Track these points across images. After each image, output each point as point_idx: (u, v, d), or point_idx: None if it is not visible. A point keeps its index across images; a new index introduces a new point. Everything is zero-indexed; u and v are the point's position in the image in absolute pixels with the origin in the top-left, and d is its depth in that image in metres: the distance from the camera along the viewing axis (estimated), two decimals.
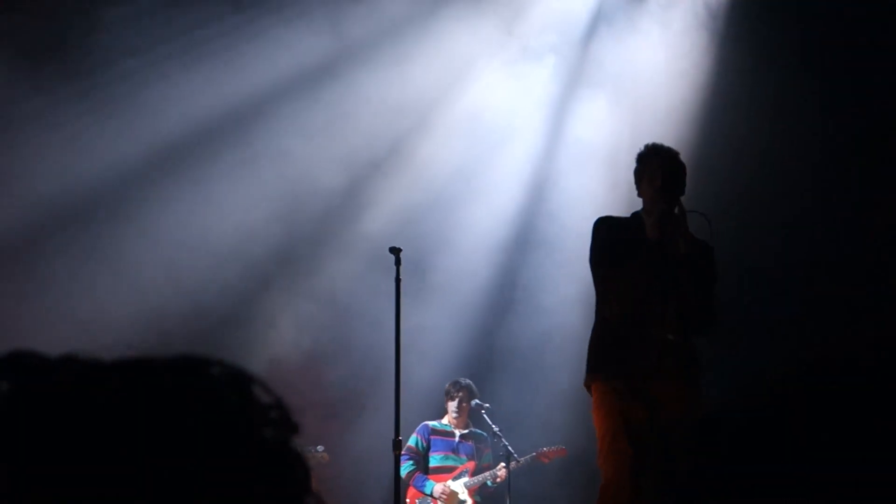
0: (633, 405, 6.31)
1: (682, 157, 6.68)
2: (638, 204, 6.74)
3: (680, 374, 6.41)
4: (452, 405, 10.22)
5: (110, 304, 9.91)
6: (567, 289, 10.75)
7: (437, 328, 10.87)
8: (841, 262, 9.80)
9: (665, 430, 6.32)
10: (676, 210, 6.45)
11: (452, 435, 10.18)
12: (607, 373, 6.47)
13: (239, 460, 0.98)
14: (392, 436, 8.04)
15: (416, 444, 10.07)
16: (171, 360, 1.02)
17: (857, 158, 10.02)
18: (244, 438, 1.00)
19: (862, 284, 9.72)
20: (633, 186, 6.69)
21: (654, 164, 6.55)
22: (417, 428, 10.13)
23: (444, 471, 10.07)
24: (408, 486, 9.85)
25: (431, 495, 9.96)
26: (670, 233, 6.45)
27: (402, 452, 8.82)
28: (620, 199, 10.07)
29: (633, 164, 6.70)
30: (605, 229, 6.67)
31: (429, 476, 10.04)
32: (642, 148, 6.71)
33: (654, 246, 6.44)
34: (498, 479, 9.92)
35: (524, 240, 11.29)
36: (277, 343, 10.75)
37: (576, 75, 11.60)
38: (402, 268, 8.36)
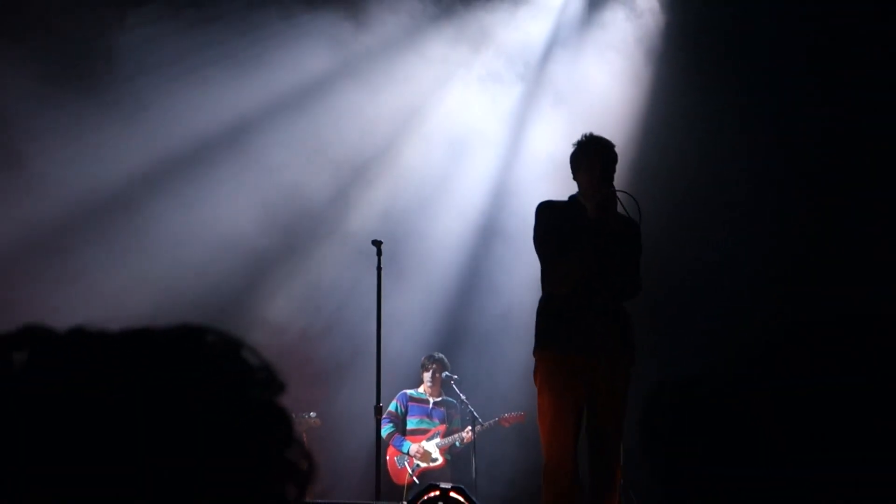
0: (572, 381, 6.10)
1: (625, 159, 6.61)
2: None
3: (617, 349, 6.22)
4: (427, 376, 10.26)
5: (131, 287, 9.87)
6: (522, 273, 10.75)
7: (412, 309, 10.83)
8: (767, 251, 9.93)
9: (599, 406, 6.16)
10: (610, 193, 6.32)
11: (427, 402, 10.23)
12: (553, 347, 6.27)
13: (230, 415, 0.97)
14: (374, 402, 8.08)
15: (396, 409, 10.15)
16: (170, 329, 1.03)
17: (775, 158, 10.06)
18: (235, 396, 0.99)
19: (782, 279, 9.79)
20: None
21: (593, 153, 6.41)
22: (397, 395, 10.20)
23: (419, 433, 10.12)
24: (388, 445, 9.96)
25: (408, 453, 10.01)
26: (609, 213, 6.32)
27: (383, 416, 8.89)
28: (562, 189, 10.20)
29: (577, 148, 6.52)
30: (548, 213, 6.48)
31: (406, 437, 10.10)
32: (581, 137, 6.54)
33: (593, 226, 6.27)
34: (465, 441, 9.97)
35: (487, 232, 11.30)
36: (274, 323, 10.71)
37: (534, 93, 11.59)
38: (382, 258, 8.38)
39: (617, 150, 6.53)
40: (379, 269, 8.27)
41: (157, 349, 1.00)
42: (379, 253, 8.31)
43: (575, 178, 6.50)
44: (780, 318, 9.20)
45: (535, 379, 6.41)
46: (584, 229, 6.26)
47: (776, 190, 10.11)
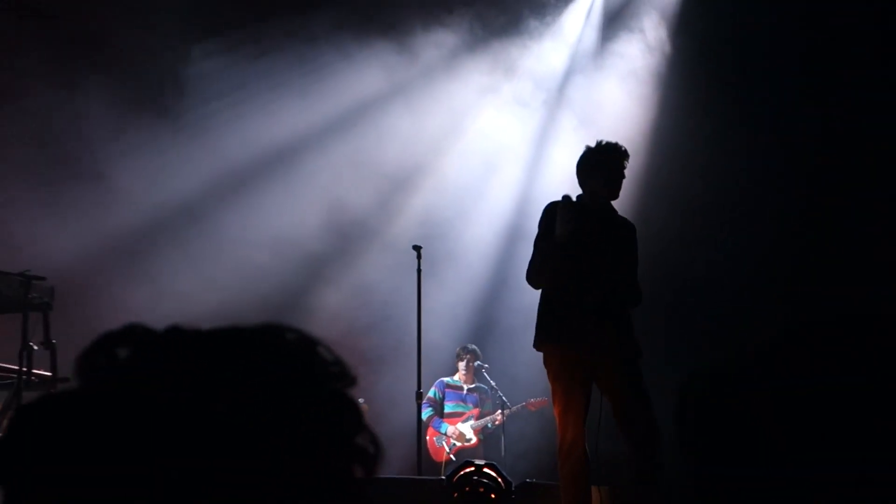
0: (574, 371, 5.83)
1: (635, 171, 6.50)
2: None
3: (612, 345, 5.86)
4: (461, 365, 10.29)
5: (201, 286, 9.94)
6: None
7: (448, 305, 10.84)
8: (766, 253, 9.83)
9: (605, 385, 5.86)
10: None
11: (462, 388, 10.27)
12: (549, 341, 6.02)
13: (308, 404, 0.97)
14: (415, 388, 8.16)
15: (434, 395, 10.19)
16: (256, 327, 1.02)
17: (772, 164, 10.01)
18: (312, 387, 0.99)
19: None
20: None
21: (614, 159, 6.15)
22: (435, 383, 10.24)
23: (455, 416, 10.16)
24: (428, 427, 9.98)
25: (446, 434, 10.05)
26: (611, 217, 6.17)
27: (423, 402, 8.91)
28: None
29: (591, 154, 6.22)
30: (551, 215, 6.07)
31: (443, 419, 10.14)
32: (602, 142, 6.25)
33: (597, 226, 6.06)
34: (496, 423, 9.98)
35: (513, 237, 11.27)
36: (325, 317, 10.76)
37: (555, 114, 11.57)
38: (422, 261, 8.44)
39: (627, 160, 6.28)
40: (419, 270, 8.33)
41: (246, 346, 1.00)
42: (419, 256, 8.36)
43: (586, 179, 6.22)
44: (780, 319, 9.16)
45: (546, 369, 6.16)
46: (587, 227, 5.99)
47: (775, 194, 9.99)
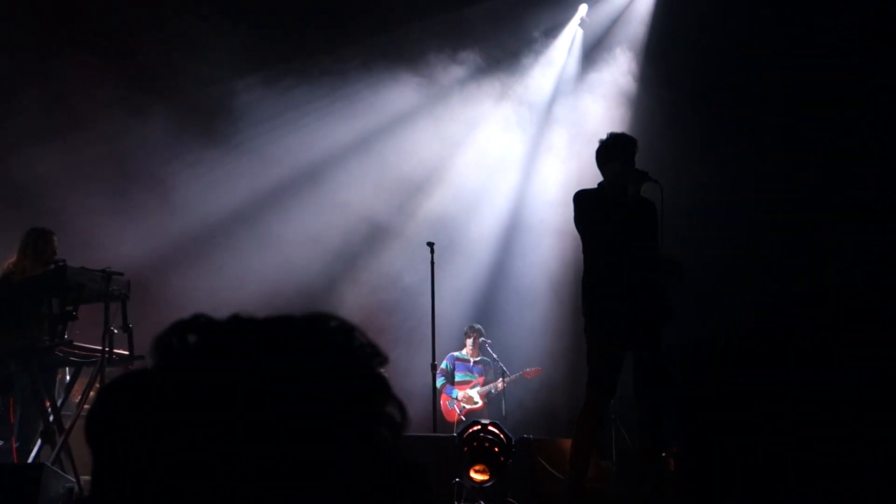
0: (617, 340, 5.50)
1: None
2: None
3: (654, 312, 5.60)
4: (469, 341, 10.28)
5: (250, 280, 10.00)
6: (540, 259, 10.86)
7: (458, 290, 10.85)
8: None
9: (640, 366, 5.51)
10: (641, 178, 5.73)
11: (468, 361, 10.25)
12: (602, 313, 5.61)
13: (348, 380, 0.98)
14: (430, 361, 8.20)
15: (446, 366, 10.16)
16: (305, 316, 1.02)
17: (731, 176, 9.97)
18: (351, 366, 0.99)
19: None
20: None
21: (630, 145, 5.85)
22: (447, 356, 10.22)
23: (464, 383, 10.14)
24: (441, 393, 9.93)
25: (456, 398, 10.06)
26: (641, 185, 5.77)
27: (437, 372, 8.91)
28: (568, 196, 10.15)
29: (608, 143, 5.88)
30: (590, 198, 5.81)
31: (454, 387, 10.16)
32: (616, 133, 5.97)
33: (632, 204, 5.75)
34: (498, 389, 9.96)
35: (511, 231, 11.33)
36: (354, 301, 10.82)
37: (545, 129, 11.58)
38: (434, 255, 8.46)
39: (625, 138, 5.97)
40: (432, 263, 8.31)
41: (296, 331, 1.00)
42: (432, 252, 8.36)
43: (606, 164, 5.87)
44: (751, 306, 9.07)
45: (586, 330, 5.73)
46: (623, 206, 5.71)
47: (737, 199, 9.94)
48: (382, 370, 1.03)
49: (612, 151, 5.86)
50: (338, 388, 0.97)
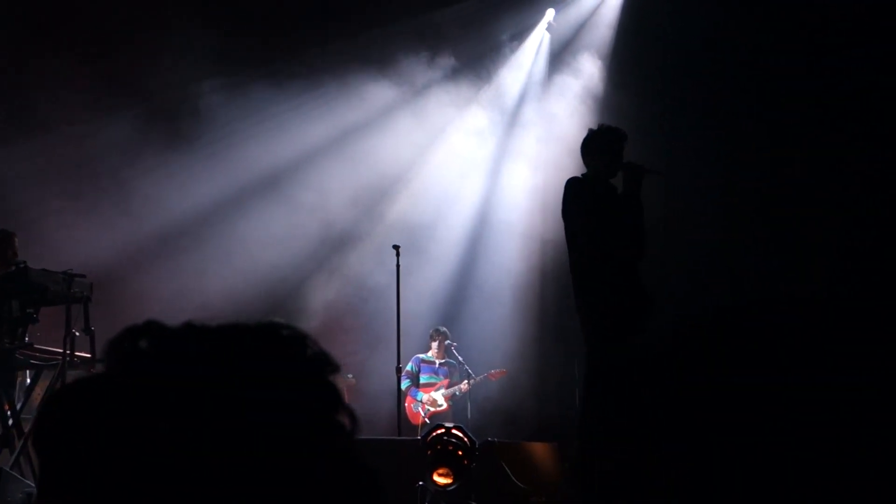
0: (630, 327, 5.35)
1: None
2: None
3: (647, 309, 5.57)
4: (434, 344, 10.27)
5: (217, 279, 9.96)
6: (506, 262, 10.91)
7: (425, 292, 10.86)
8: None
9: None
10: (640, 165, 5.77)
11: (434, 363, 10.24)
12: (615, 303, 5.51)
13: (299, 388, 0.98)
14: (395, 364, 8.20)
15: (411, 368, 10.13)
16: (258, 324, 1.01)
17: (691, 172, 10.07)
18: (303, 374, 0.99)
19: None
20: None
21: (620, 138, 5.83)
22: (412, 358, 10.18)
23: (429, 386, 10.13)
24: (406, 395, 9.90)
25: (421, 401, 10.05)
26: (641, 179, 5.79)
27: (402, 375, 8.89)
28: (539, 204, 10.24)
29: (597, 135, 5.84)
30: (586, 187, 5.74)
31: (419, 389, 10.14)
32: (604, 125, 5.93)
33: (627, 196, 5.77)
34: (463, 391, 10.00)
35: (480, 231, 11.34)
36: (320, 303, 10.79)
37: (512, 131, 11.63)
38: (402, 258, 8.45)
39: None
40: (398, 266, 8.33)
41: (249, 339, 1.00)
42: (398, 255, 8.38)
43: (595, 158, 5.79)
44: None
45: (587, 322, 5.64)
46: (618, 201, 5.72)
47: (707, 195, 10.02)
48: (334, 379, 1.03)
49: (603, 143, 5.81)
50: (289, 397, 0.97)
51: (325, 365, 1.02)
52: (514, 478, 6.57)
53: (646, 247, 5.84)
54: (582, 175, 5.86)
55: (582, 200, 5.69)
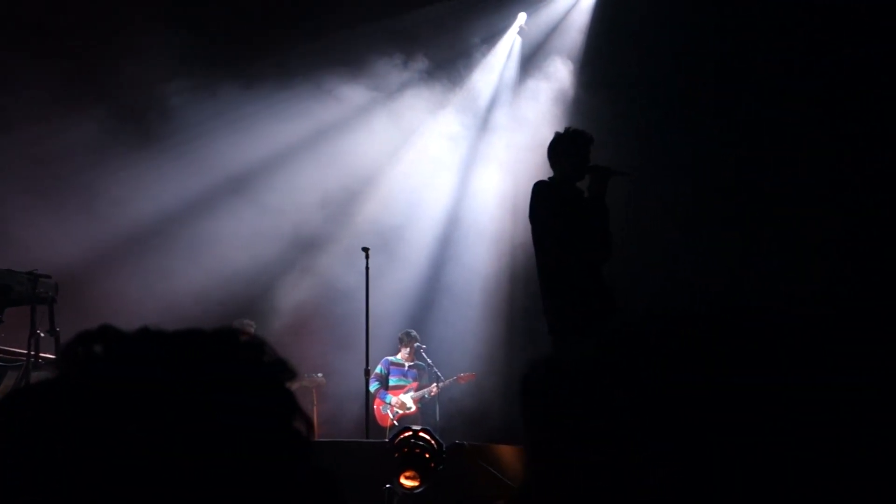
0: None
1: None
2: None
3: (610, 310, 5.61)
4: (403, 347, 10.31)
5: (185, 280, 9.92)
6: (475, 264, 10.94)
7: (395, 294, 10.88)
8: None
9: None
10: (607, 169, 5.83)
11: (403, 366, 10.24)
12: (581, 306, 5.55)
13: (255, 395, 0.97)
14: (364, 366, 8.21)
15: (381, 371, 10.12)
16: (215, 330, 1.00)
17: (659, 174, 10.15)
18: (259, 382, 0.98)
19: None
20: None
21: (586, 141, 5.88)
22: (381, 361, 10.17)
23: (398, 388, 10.14)
24: (375, 398, 9.94)
25: (390, 403, 10.05)
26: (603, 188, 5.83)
27: (371, 377, 8.90)
28: (510, 207, 10.26)
29: (564, 138, 5.90)
30: (554, 190, 5.81)
31: (388, 391, 10.13)
32: (571, 129, 5.99)
33: (594, 199, 5.83)
34: (432, 394, 10.00)
35: (450, 234, 11.36)
36: (289, 305, 10.78)
37: (483, 135, 11.67)
38: (372, 260, 8.46)
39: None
40: (367, 268, 8.36)
41: (205, 344, 0.99)
42: (367, 257, 8.39)
43: (563, 160, 5.86)
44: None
45: (554, 324, 5.71)
46: (584, 203, 5.79)
47: (678, 198, 10.18)
48: (290, 385, 1.02)
49: (570, 147, 5.86)
50: (244, 402, 0.96)
51: (281, 371, 1.01)
52: (501, 477, 6.59)
53: (611, 249, 5.90)
54: (549, 178, 5.92)
55: (549, 203, 5.75)
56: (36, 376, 6.11)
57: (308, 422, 1.01)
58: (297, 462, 0.99)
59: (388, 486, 6.20)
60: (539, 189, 5.83)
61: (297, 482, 0.99)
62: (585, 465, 0.90)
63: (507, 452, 7.24)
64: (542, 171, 6.24)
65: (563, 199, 5.77)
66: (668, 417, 0.87)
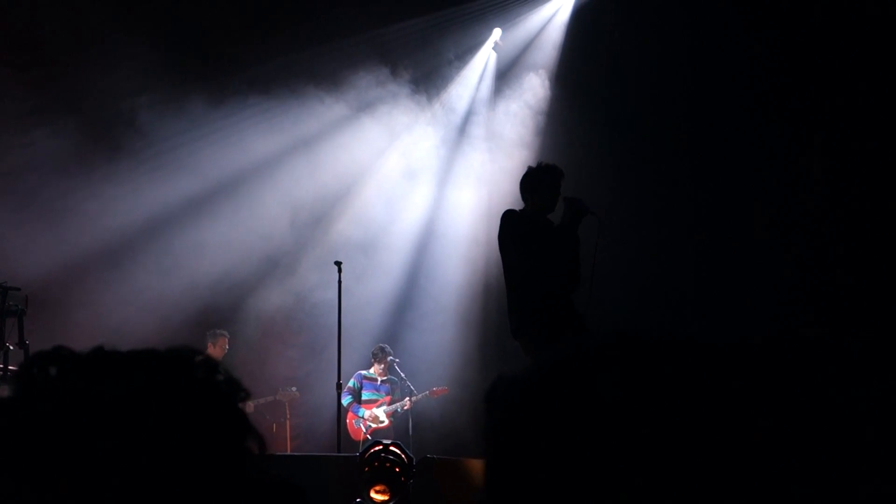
0: None
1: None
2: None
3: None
4: (376, 361, 10.29)
5: (157, 294, 9.87)
6: (449, 279, 10.97)
7: (368, 307, 10.87)
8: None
9: None
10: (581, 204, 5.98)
11: (376, 380, 10.23)
12: (543, 331, 5.69)
13: (209, 414, 0.99)
14: (336, 380, 8.21)
15: (353, 385, 10.10)
16: (170, 350, 1.02)
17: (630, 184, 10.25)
18: (213, 400, 1.00)
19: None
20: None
21: (557, 175, 6.07)
22: (354, 375, 10.16)
23: (370, 402, 10.12)
24: (348, 411, 9.93)
25: (363, 417, 10.05)
26: (579, 219, 6.00)
27: (344, 391, 8.89)
28: (484, 223, 10.30)
29: (536, 173, 6.08)
30: (524, 220, 5.96)
31: (361, 405, 10.12)
32: (543, 164, 6.18)
33: (565, 229, 6.00)
34: (405, 408, 10.03)
35: (424, 249, 11.37)
36: (263, 319, 10.77)
37: (457, 150, 11.70)
38: (346, 274, 8.44)
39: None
40: (339, 282, 8.33)
41: (160, 365, 1.01)
42: (339, 271, 8.38)
43: (535, 195, 6.04)
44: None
45: (527, 348, 5.86)
46: (554, 233, 5.96)
47: (649, 211, 10.26)
48: (243, 405, 1.05)
49: (542, 181, 6.03)
50: (199, 422, 0.98)
51: (236, 391, 1.03)
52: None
53: (579, 279, 6.03)
54: (519, 209, 6.08)
55: (517, 231, 5.90)
56: (3, 389, 6.08)
57: (261, 441, 1.03)
58: (250, 480, 1.01)
59: (358, 500, 6.20)
60: (508, 217, 5.98)
61: (250, 499, 1.00)
62: (541, 477, 0.90)
63: (478, 466, 7.24)
64: (517, 185, 6.37)
65: (532, 227, 5.92)
66: (621, 436, 0.87)
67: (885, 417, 0.88)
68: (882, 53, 8.85)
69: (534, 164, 6.25)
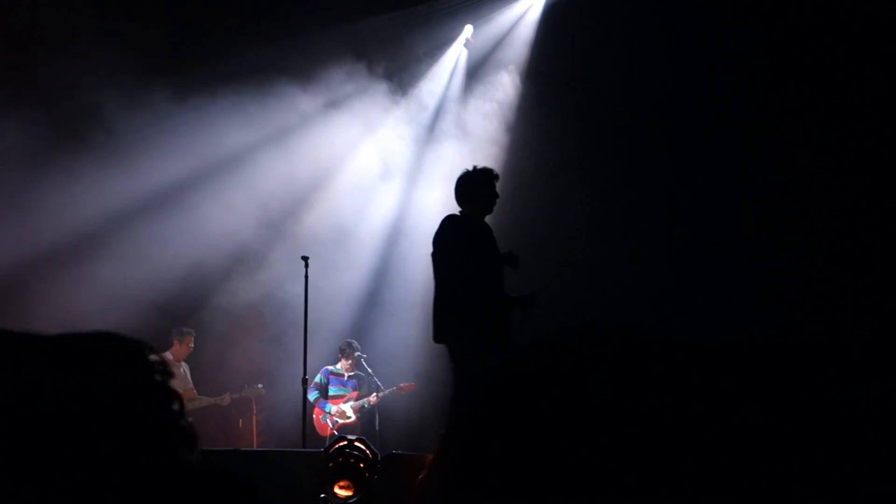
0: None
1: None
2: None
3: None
4: (343, 356, 10.31)
5: (124, 290, 9.79)
6: (416, 275, 10.93)
7: (335, 302, 10.87)
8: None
9: None
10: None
11: (343, 375, 10.24)
12: (482, 333, 5.78)
13: (139, 394, 0.98)
14: (302, 375, 8.21)
15: (320, 380, 10.13)
16: (91, 333, 1.02)
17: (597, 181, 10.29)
18: (141, 381, 1.00)
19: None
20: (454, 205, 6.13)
21: (492, 178, 6.13)
22: (321, 370, 10.18)
23: (337, 398, 10.14)
24: (314, 407, 9.96)
25: (330, 412, 10.06)
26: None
27: (310, 386, 8.92)
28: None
29: (473, 177, 6.13)
30: (466, 225, 6.05)
31: (328, 401, 10.16)
32: (486, 167, 6.21)
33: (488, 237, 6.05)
34: (371, 403, 10.08)
35: (392, 244, 11.37)
36: (230, 314, 10.73)
37: (427, 146, 11.73)
38: (313, 269, 8.44)
39: (492, 172, 6.24)
40: (306, 277, 8.33)
41: (85, 346, 1.00)
42: (306, 266, 8.37)
43: (475, 198, 6.11)
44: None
45: (457, 351, 6.02)
46: (493, 239, 6.03)
47: (620, 209, 10.33)
48: (169, 384, 1.04)
49: (479, 185, 6.11)
50: (129, 402, 0.97)
51: (163, 371, 1.03)
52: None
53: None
54: (459, 213, 6.15)
55: (456, 237, 5.97)
56: None
57: (190, 425, 1.03)
58: (178, 455, 1.00)
59: (322, 495, 6.20)
60: (448, 222, 6.06)
61: (188, 478, 1.00)
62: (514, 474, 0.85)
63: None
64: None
65: (471, 233, 5.98)
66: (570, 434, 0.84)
67: (867, 415, 0.86)
68: (863, 46, 8.90)
69: (469, 168, 6.25)
